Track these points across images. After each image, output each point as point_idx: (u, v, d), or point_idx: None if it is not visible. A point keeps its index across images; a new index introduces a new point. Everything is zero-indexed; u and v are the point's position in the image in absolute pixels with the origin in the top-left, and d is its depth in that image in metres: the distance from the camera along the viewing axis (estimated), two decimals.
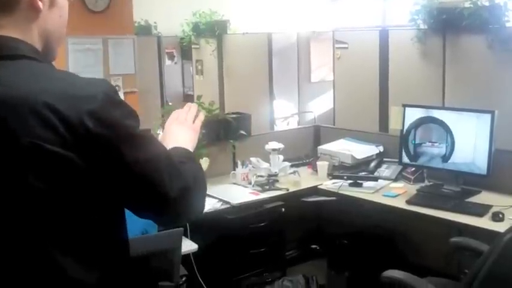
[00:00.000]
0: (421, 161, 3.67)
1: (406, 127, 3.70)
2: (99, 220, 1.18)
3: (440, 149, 3.57)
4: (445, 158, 3.54)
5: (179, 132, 1.56)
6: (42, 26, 1.22)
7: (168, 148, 1.45)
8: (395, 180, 3.83)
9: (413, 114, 3.68)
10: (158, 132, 3.39)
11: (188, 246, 3.04)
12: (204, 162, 3.69)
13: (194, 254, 3.14)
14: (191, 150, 1.50)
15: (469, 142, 3.45)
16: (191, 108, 1.66)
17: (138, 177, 1.17)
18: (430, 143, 3.62)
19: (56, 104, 1.08)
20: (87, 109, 1.10)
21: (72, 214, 1.13)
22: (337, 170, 4.00)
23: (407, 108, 3.71)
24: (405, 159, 3.74)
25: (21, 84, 1.11)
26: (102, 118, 1.11)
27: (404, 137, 3.71)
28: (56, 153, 1.07)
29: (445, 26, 4.01)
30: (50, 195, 1.09)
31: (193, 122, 1.63)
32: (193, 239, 3.17)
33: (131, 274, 1.29)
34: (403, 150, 3.73)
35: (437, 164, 3.60)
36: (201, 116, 1.66)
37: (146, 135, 1.22)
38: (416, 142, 3.67)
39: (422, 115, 3.64)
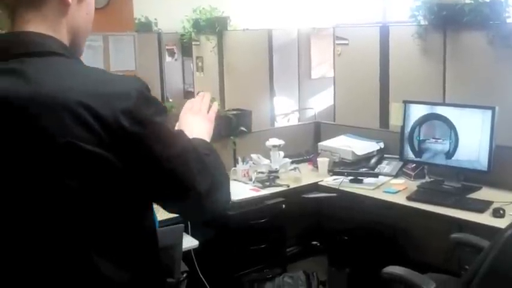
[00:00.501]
0: (425, 157, 3.67)
1: (411, 123, 3.70)
2: (130, 218, 1.18)
3: (443, 145, 3.56)
4: (448, 154, 3.54)
5: (195, 123, 1.54)
6: (70, 22, 1.21)
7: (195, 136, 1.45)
8: (396, 176, 3.83)
9: (417, 111, 3.68)
10: None
11: (189, 242, 3.04)
12: None
13: (195, 250, 3.15)
14: (208, 140, 1.48)
15: (470, 138, 3.45)
16: (204, 97, 1.64)
17: (170, 174, 1.16)
18: (434, 139, 3.62)
19: (90, 102, 1.06)
20: (121, 107, 1.08)
21: (106, 213, 1.12)
22: (338, 166, 4.00)
23: (411, 105, 3.71)
24: (410, 155, 3.73)
25: (51, 81, 1.09)
26: (137, 116, 1.10)
27: (409, 133, 3.71)
28: (92, 152, 1.06)
29: (446, 22, 4.01)
30: (85, 195, 1.08)
31: (208, 112, 1.60)
32: (194, 235, 3.17)
33: (160, 271, 1.28)
34: (408, 146, 3.73)
35: (438, 160, 3.60)
36: (215, 107, 1.62)
37: (176, 131, 1.24)
38: (420, 138, 3.67)
39: (427, 112, 3.64)
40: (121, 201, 1.13)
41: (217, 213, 1.30)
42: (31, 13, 1.15)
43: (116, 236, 1.15)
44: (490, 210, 3.07)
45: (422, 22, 4.14)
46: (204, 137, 1.46)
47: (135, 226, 1.19)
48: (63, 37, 1.20)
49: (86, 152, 1.06)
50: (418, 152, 3.69)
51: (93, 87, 1.09)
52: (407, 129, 3.71)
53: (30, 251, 1.11)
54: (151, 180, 1.15)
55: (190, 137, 1.43)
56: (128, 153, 1.10)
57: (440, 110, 3.60)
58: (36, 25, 1.15)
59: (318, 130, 4.71)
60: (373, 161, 3.99)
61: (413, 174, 3.76)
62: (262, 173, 3.86)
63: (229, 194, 1.35)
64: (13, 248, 1.11)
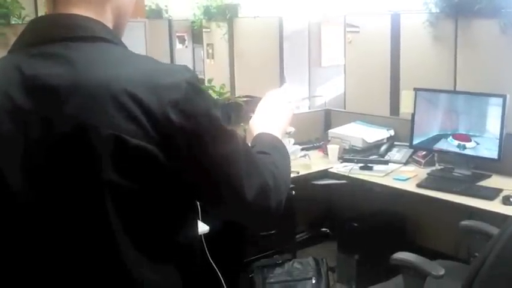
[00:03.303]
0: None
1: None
2: (173, 216, 1.11)
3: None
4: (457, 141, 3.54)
5: (269, 115, 1.46)
6: (115, 4, 1.15)
7: (257, 132, 1.40)
8: (406, 163, 3.83)
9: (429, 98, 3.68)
10: None
11: (199, 227, 3.05)
12: None
13: (205, 235, 3.17)
14: (280, 136, 1.40)
15: (480, 126, 3.44)
16: (287, 90, 1.56)
17: (216, 173, 1.10)
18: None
19: (137, 92, 1.00)
20: (170, 99, 1.02)
21: (147, 209, 1.06)
22: (348, 153, 4.00)
23: (421, 92, 3.71)
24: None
25: (98, 69, 1.03)
26: (186, 109, 1.03)
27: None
28: (138, 146, 1.00)
29: (458, 10, 3.98)
30: (127, 190, 1.02)
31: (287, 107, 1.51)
32: (204, 221, 3.19)
33: (198, 274, 1.23)
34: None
35: (448, 147, 3.60)
36: (297, 103, 1.56)
37: (227, 128, 1.13)
38: None
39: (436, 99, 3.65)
40: (164, 198, 1.07)
41: (265, 219, 1.21)
42: None
43: (156, 234, 1.09)
44: (500, 197, 3.08)
45: (434, 10, 4.12)
46: (274, 132, 1.39)
47: (177, 225, 1.13)
48: (108, 20, 1.14)
49: (132, 146, 0.99)
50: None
51: (140, 77, 1.03)
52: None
53: (66, 248, 1.05)
54: (196, 177, 1.08)
55: (262, 130, 1.40)
56: (175, 148, 1.03)
57: (449, 98, 3.60)
58: (79, 7, 1.09)
59: (328, 117, 4.72)
60: (383, 148, 3.99)
61: (423, 161, 3.76)
62: None
63: (281, 202, 1.22)
64: (50, 244, 1.06)
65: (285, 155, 1.34)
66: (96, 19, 1.10)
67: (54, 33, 1.07)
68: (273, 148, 1.32)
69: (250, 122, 1.47)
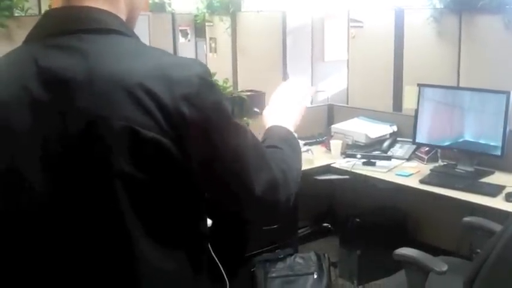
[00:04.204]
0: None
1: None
2: (186, 207, 1.12)
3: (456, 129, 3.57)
4: (460, 137, 3.54)
5: (283, 108, 1.44)
6: None
7: (269, 125, 1.39)
8: (409, 159, 3.83)
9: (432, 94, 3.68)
10: None
11: None
12: None
13: (208, 228, 3.17)
14: (292, 129, 1.39)
15: (484, 122, 3.44)
16: (301, 84, 1.54)
17: (226, 167, 1.10)
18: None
19: (150, 85, 1.01)
20: (182, 93, 1.02)
21: (160, 200, 1.06)
22: (351, 148, 4.00)
23: (425, 88, 3.70)
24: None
25: (110, 61, 1.04)
26: (197, 104, 1.04)
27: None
28: (152, 138, 1.00)
29: (461, 6, 3.98)
30: (141, 181, 1.03)
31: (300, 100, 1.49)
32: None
33: (207, 266, 1.24)
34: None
35: (452, 143, 3.59)
36: (309, 96, 1.53)
37: (237, 122, 1.14)
38: None
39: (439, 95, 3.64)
40: (176, 191, 1.08)
41: (274, 214, 1.22)
42: None
43: (166, 226, 1.09)
44: (503, 194, 3.07)
45: (438, 5, 4.12)
46: (287, 125, 1.38)
47: (188, 218, 1.14)
48: (121, 12, 1.14)
49: (146, 138, 1.00)
50: None
51: (153, 70, 1.03)
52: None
53: (77, 239, 1.06)
54: (206, 172, 1.09)
55: (274, 123, 1.39)
56: (186, 142, 1.03)
57: (452, 94, 3.59)
58: (94, 0, 1.09)
59: (331, 112, 4.71)
60: (386, 144, 3.99)
61: (426, 157, 3.76)
62: None
63: (289, 194, 1.21)
64: (64, 235, 1.06)
65: (295, 149, 1.33)
66: (110, 11, 1.11)
67: (69, 26, 1.08)
68: (284, 142, 1.31)
69: (263, 113, 1.46)
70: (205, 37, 6.75)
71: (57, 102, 1.03)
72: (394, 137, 4.07)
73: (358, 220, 3.87)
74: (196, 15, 6.57)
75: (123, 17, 1.15)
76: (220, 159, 1.09)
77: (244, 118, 4.14)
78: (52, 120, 1.03)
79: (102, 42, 1.06)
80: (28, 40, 1.11)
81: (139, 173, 1.02)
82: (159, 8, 6.22)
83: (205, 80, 1.07)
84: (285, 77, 5.70)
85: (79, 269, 1.08)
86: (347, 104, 4.87)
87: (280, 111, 1.43)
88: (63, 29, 1.08)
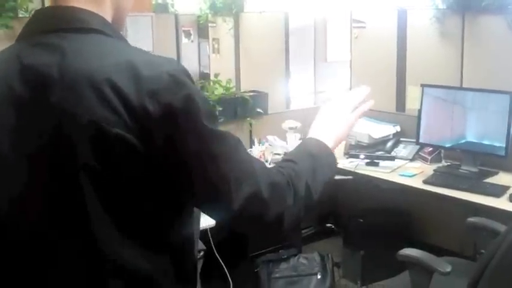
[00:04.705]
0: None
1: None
2: (158, 208, 1.09)
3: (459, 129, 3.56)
4: (464, 138, 3.54)
5: (328, 121, 1.36)
6: None
7: (308, 136, 1.34)
8: (412, 160, 3.83)
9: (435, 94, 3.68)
10: None
11: (206, 221, 3.05)
12: None
13: (211, 229, 3.17)
14: (330, 145, 1.32)
15: (488, 123, 3.44)
16: (359, 93, 1.41)
17: (197, 172, 1.06)
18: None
19: (117, 81, 1.02)
20: (148, 89, 1.02)
21: (130, 196, 1.06)
22: (354, 149, 4.00)
23: (428, 88, 3.70)
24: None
25: (85, 58, 1.06)
26: (163, 100, 1.02)
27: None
28: (116, 134, 1.01)
29: (465, 6, 3.97)
30: (107, 175, 1.03)
31: (353, 111, 1.39)
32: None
33: (190, 270, 1.21)
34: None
35: (455, 144, 3.59)
36: (363, 108, 1.39)
37: (211, 127, 1.07)
38: None
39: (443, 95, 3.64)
40: (149, 189, 1.06)
41: (261, 228, 1.17)
42: None
43: (140, 226, 1.08)
44: (507, 194, 3.07)
45: (441, 6, 4.11)
46: (325, 140, 1.31)
47: (164, 221, 1.12)
48: (107, 12, 1.16)
49: (110, 134, 1.01)
50: None
51: (123, 67, 1.04)
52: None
53: (46, 231, 1.08)
54: (174, 173, 1.06)
55: (313, 135, 1.33)
56: (151, 139, 1.02)
57: (456, 94, 3.59)
58: (79, 0, 1.13)
59: None
60: (389, 144, 3.99)
61: (429, 158, 3.76)
62: (278, 154, 3.88)
63: (280, 212, 1.13)
64: (34, 227, 1.09)
65: (318, 165, 1.24)
66: (94, 12, 1.13)
67: (52, 25, 1.12)
68: (308, 156, 1.25)
69: (311, 125, 1.40)
70: (208, 38, 6.75)
71: (36, 98, 1.06)
72: (398, 138, 4.07)
73: (361, 220, 3.88)
74: (199, 16, 6.57)
75: (109, 17, 1.17)
76: (190, 163, 1.06)
77: (248, 118, 4.15)
78: (31, 116, 1.07)
79: (81, 40, 1.09)
80: (18, 39, 1.16)
81: (104, 167, 1.03)
82: (162, 9, 6.21)
83: (175, 78, 1.06)
84: (287, 77, 5.70)
85: (46, 260, 1.10)
86: None
87: (324, 124, 1.37)
88: (48, 27, 1.12)
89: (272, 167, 1.21)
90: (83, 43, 1.09)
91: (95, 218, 1.05)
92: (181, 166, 1.06)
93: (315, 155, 1.27)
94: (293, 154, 1.28)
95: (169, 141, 1.04)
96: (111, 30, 1.15)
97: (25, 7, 3.39)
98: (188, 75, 1.09)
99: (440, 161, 3.73)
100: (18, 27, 3.56)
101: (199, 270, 2.95)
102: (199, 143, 1.06)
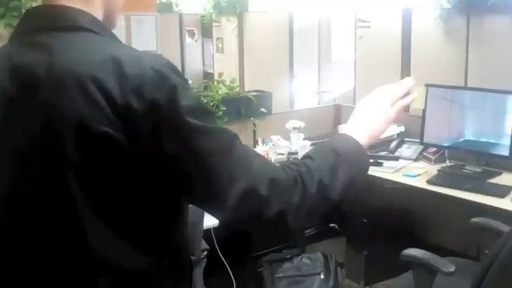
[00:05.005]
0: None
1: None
2: (148, 208, 1.09)
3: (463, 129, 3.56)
4: (468, 138, 3.53)
5: (363, 116, 1.31)
6: None
7: (342, 132, 1.28)
8: (416, 160, 3.82)
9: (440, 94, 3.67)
10: None
11: (209, 221, 3.06)
12: None
13: (215, 229, 3.18)
14: (364, 140, 1.26)
15: (492, 123, 3.43)
16: (401, 85, 1.38)
17: (184, 171, 1.05)
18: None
19: (101, 78, 1.02)
20: (132, 86, 1.01)
21: (118, 193, 1.05)
22: None
23: (432, 88, 3.69)
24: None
25: (71, 57, 1.06)
26: (147, 96, 1.01)
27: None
28: (100, 131, 1.01)
29: (470, 6, 3.96)
30: (94, 172, 1.04)
31: (393, 104, 1.34)
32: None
33: (185, 269, 1.21)
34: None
35: (459, 144, 3.58)
36: (406, 100, 1.37)
37: (197, 122, 1.05)
38: None
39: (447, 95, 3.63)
40: (137, 186, 1.06)
41: (260, 223, 1.12)
42: None
43: (130, 223, 1.08)
44: (511, 195, 3.06)
45: (446, 5, 4.10)
46: (358, 135, 1.26)
47: (155, 218, 1.11)
48: (97, 10, 1.17)
49: (94, 131, 1.01)
50: None
51: (108, 63, 1.03)
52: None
53: (35, 234, 1.09)
54: (161, 169, 1.05)
55: (346, 131, 1.27)
56: (136, 135, 1.02)
57: (460, 94, 3.58)
58: None
59: (338, 113, 4.71)
60: (393, 144, 3.98)
61: (433, 158, 3.75)
62: (281, 154, 3.88)
63: (281, 209, 1.09)
64: (23, 224, 1.10)
65: (340, 161, 1.19)
66: (84, 10, 1.14)
67: (41, 24, 1.12)
68: (329, 152, 1.20)
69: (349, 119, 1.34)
70: (212, 37, 6.75)
71: (24, 97, 1.07)
72: (402, 138, 4.06)
73: (365, 221, 3.87)
74: (203, 16, 6.57)
75: (99, 15, 1.17)
76: (178, 158, 1.04)
77: (251, 118, 4.15)
78: (19, 115, 1.08)
79: (68, 38, 1.10)
80: (10, 38, 1.17)
81: (90, 165, 1.03)
82: (166, 9, 6.22)
83: (160, 73, 1.05)
84: (291, 77, 5.70)
85: (34, 257, 1.10)
86: (354, 104, 4.85)
87: (359, 119, 1.31)
88: (37, 27, 1.13)
89: (282, 164, 1.18)
90: (70, 41, 1.09)
91: (83, 216, 1.05)
92: (167, 162, 1.04)
93: (340, 151, 1.21)
94: (314, 150, 1.23)
95: (154, 137, 1.02)
96: (100, 29, 1.15)
97: (29, 6, 3.40)
98: (174, 70, 1.08)
99: (444, 161, 3.73)
100: None
101: (202, 270, 2.96)
102: (183, 138, 1.04)
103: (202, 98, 4.00)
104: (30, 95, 1.06)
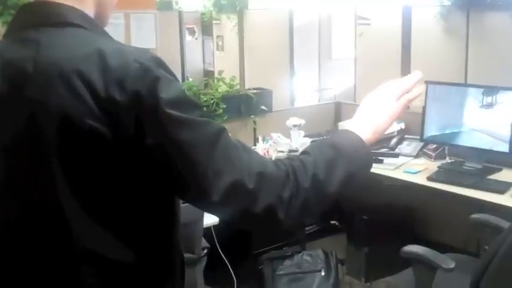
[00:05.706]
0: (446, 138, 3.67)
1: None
2: (134, 200, 1.08)
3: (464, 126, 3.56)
4: (468, 134, 3.53)
5: (368, 111, 1.27)
6: None
7: (345, 128, 1.25)
8: (416, 156, 3.82)
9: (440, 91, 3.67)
10: None
11: (209, 219, 3.06)
12: None
13: (215, 226, 3.18)
14: (368, 136, 1.22)
15: (492, 119, 3.43)
16: (409, 79, 1.32)
17: (166, 163, 1.04)
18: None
19: (85, 71, 1.02)
20: (115, 78, 1.01)
21: (103, 185, 1.06)
22: None
23: (432, 85, 3.69)
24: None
25: (58, 51, 1.07)
26: (129, 88, 1.01)
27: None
28: (84, 124, 1.01)
29: (470, 3, 3.96)
30: (79, 165, 1.04)
31: (400, 98, 1.28)
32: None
33: (176, 264, 1.21)
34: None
35: (459, 140, 3.58)
36: (412, 95, 1.29)
37: (182, 114, 1.04)
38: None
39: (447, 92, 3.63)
40: (123, 180, 1.06)
41: (249, 221, 1.10)
42: None
43: (117, 216, 1.08)
44: (511, 191, 3.06)
45: (446, 3, 4.10)
46: (361, 131, 1.22)
47: (143, 211, 1.10)
48: (88, 7, 1.17)
49: (78, 124, 1.01)
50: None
51: (92, 57, 1.04)
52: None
53: (21, 226, 1.11)
54: (146, 162, 1.04)
55: (350, 126, 1.24)
56: (120, 128, 1.02)
57: (460, 91, 3.58)
58: None
59: (339, 110, 4.71)
60: (393, 141, 3.98)
61: (433, 154, 3.75)
62: (282, 152, 3.88)
63: (269, 204, 1.05)
64: (6, 222, 1.13)
65: (339, 156, 1.15)
66: (75, 7, 1.14)
67: (32, 20, 1.14)
68: (328, 148, 1.17)
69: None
70: (212, 35, 6.75)
71: (12, 92, 1.08)
72: (402, 134, 4.06)
73: (365, 217, 3.87)
74: (203, 13, 6.57)
75: (90, 12, 1.18)
76: (155, 151, 1.03)
77: (252, 116, 4.15)
78: (8, 110, 1.09)
79: (56, 34, 1.11)
80: (3, 35, 1.18)
81: (75, 157, 1.04)
82: (166, 6, 6.22)
83: (143, 65, 1.04)
84: (292, 74, 5.70)
85: (20, 249, 1.12)
86: (354, 101, 4.86)
87: (363, 114, 1.27)
88: (28, 23, 1.14)
89: (275, 159, 1.16)
90: (58, 37, 1.10)
91: (67, 207, 1.06)
92: (150, 155, 1.03)
93: (339, 147, 1.17)
94: (312, 146, 1.20)
95: (136, 130, 1.02)
96: (91, 25, 1.15)
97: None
98: (160, 64, 1.07)
99: (444, 158, 3.73)
100: None
101: (203, 267, 2.97)
102: (164, 130, 1.03)
103: (203, 96, 3.99)
104: (18, 90, 1.07)
